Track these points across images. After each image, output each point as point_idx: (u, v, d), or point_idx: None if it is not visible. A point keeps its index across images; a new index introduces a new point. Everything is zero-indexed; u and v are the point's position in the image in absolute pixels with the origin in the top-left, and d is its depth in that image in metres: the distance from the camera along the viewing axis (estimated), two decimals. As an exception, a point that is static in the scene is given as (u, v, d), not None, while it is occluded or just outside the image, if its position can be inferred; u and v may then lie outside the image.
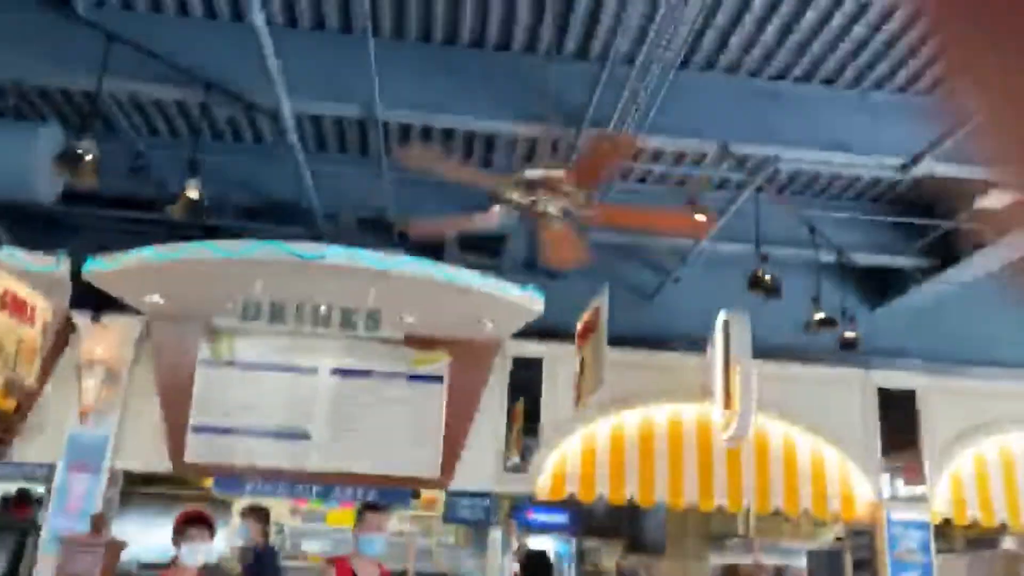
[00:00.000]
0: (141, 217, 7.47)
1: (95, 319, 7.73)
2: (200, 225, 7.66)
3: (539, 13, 5.61)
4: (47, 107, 6.94)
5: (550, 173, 3.80)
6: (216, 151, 7.38)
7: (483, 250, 8.46)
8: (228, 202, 7.47)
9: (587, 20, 5.64)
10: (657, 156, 6.99)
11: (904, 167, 5.88)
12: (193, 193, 5.33)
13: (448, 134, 7.00)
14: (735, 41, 5.84)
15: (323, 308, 6.96)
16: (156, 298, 7.35)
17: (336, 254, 6.67)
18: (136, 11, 5.82)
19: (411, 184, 7.44)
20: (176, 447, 7.54)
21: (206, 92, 5.61)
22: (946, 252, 7.77)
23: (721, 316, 7.63)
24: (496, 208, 4.51)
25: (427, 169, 3.93)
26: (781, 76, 6.17)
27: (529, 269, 8.60)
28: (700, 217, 6.82)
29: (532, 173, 3.81)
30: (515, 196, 3.90)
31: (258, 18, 4.68)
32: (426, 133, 7.01)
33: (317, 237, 7.60)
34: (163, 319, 7.76)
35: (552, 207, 3.82)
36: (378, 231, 7.91)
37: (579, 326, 7.00)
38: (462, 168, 4.06)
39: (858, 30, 5.62)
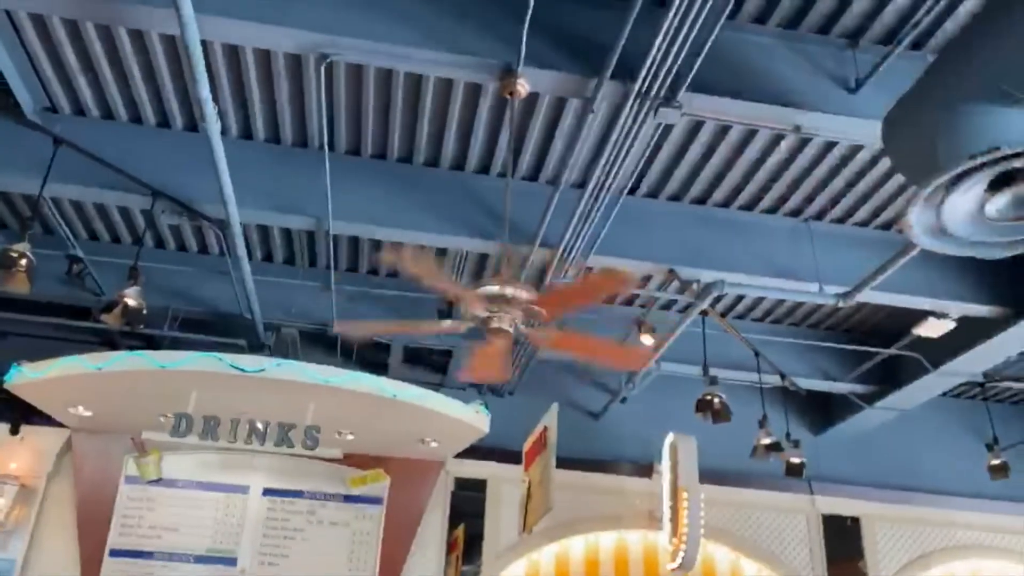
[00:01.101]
0: (74, 325, 7.19)
1: (13, 431, 7.30)
2: (135, 335, 7.41)
3: (493, 138, 5.72)
4: (-18, 209, 6.75)
5: (519, 292, 3.76)
6: (157, 259, 7.24)
7: (428, 366, 8.34)
8: (167, 312, 7.25)
9: (540, 147, 5.77)
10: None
11: (846, 294, 6.02)
12: (131, 300, 5.14)
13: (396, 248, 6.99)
14: (679, 173, 6.02)
15: (259, 424, 6.67)
16: (82, 410, 6.99)
17: (277, 368, 6.47)
18: (87, 117, 5.77)
19: (356, 299, 7.36)
20: (90, 573, 6.99)
21: (153, 200, 5.50)
22: (887, 378, 7.91)
23: (668, 439, 7.56)
24: (447, 322, 4.43)
25: (414, 274, 3.86)
26: (724, 204, 6.36)
27: (475, 386, 8.47)
28: (647, 341, 6.88)
29: (501, 288, 3.75)
30: (475, 310, 3.83)
31: (212, 129, 4.65)
32: (375, 247, 6.98)
33: (258, 350, 7.40)
34: (87, 432, 7.37)
35: (507, 324, 3.77)
36: (322, 345, 7.75)
37: (526, 447, 6.84)
38: (441, 275, 4.00)
39: (795, 168, 5.86)
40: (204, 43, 4.79)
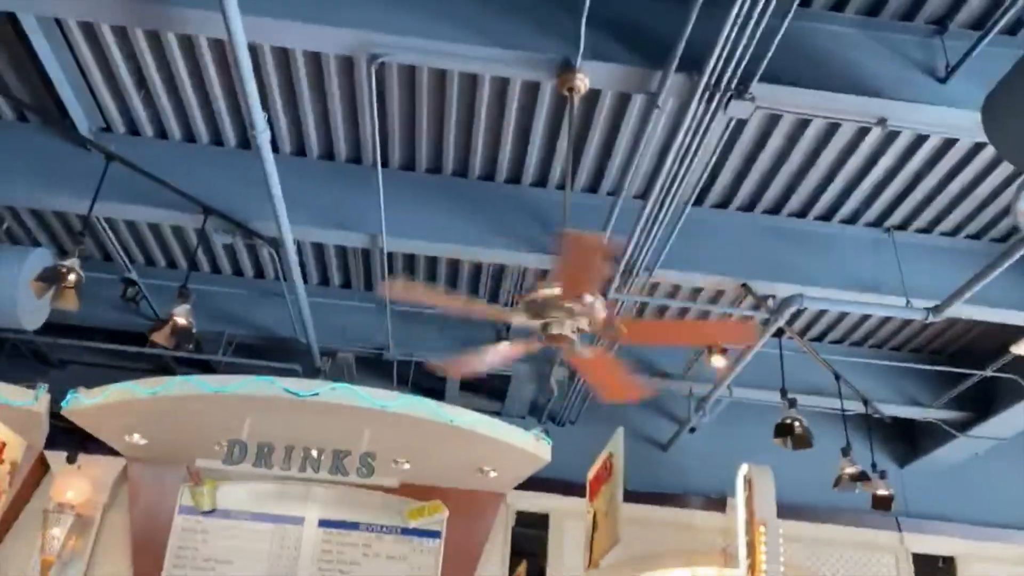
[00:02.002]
0: (131, 351, 7.12)
1: (71, 460, 7.21)
2: (191, 362, 7.32)
3: (551, 146, 5.47)
4: (42, 231, 6.76)
5: (545, 292, 3.48)
6: (213, 283, 7.17)
7: (486, 393, 8.05)
8: (222, 337, 7.14)
9: (600, 153, 5.50)
10: (674, 292, 6.71)
11: (935, 308, 5.55)
12: (181, 319, 4.99)
13: (454, 267, 6.75)
14: (750, 180, 5.68)
15: (314, 451, 6.45)
16: (137, 438, 6.87)
17: (331, 392, 6.27)
18: (142, 136, 5.71)
19: (413, 321, 7.15)
20: (144, 604, 6.82)
21: (205, 217, 5.39)
22: (980, 404, 7.33)
23: (742, 470, 7.10)
24: (504, 344, 4.15)
25: (412, 301, 3.65)
26: (800, 214, 5.97)
27: (535, 414, 8.16)
28: (718, 362, 6.47)
29: (530, 295, 3.49)
30: (523, 323, 3.56)
31: (261, 138, 4.51)
32: (432, 266, 6.76)
33: (313, 375, 7.22)
34: (143, 462, 7.25)
35: (566, 328, 3.47)
36: (377, 370, 7.54)
37: (590, 476, 6.46)
38: (451, 298, 3.75)
39: (877, 171, 5.46)
40: (253, 48, 4.71)
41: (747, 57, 3.95)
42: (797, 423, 5.86)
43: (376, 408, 6.28)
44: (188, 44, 4.93)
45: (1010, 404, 6.96)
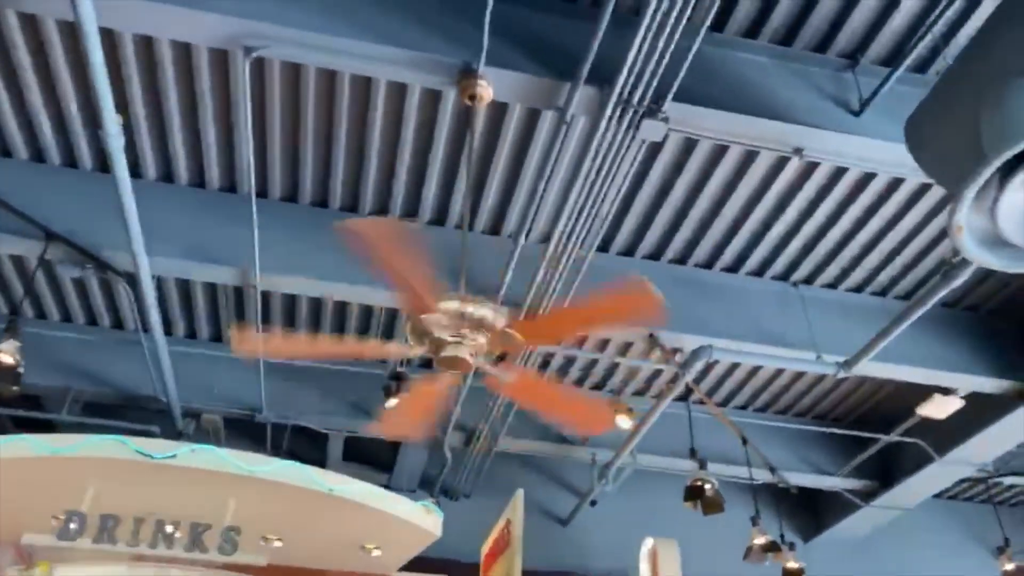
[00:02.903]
0: (-47, 408, 6.14)
1: None
2: (30, 422, 6.38)
3: (450, 181, 5.07)
4: None
5: (490, 312, 2.96)
6: (61, 332, 6.32)
7: (372, 463, 7.35)
8: (67, 394, 6.25)
9: (502, 191, 5.12)
10: (580, 343, 6.28)
11: (846, 363, 5.34)
12: (6, 356, 4.21)
13: (341, 311, 6.15)
14: (656, 226, 5.41)
15: (168, 525, 5.61)
16: (-46, 512, 5.83)
17: (190, 455, 5.47)
18: (-21, 154, 4.99)
19: (291, 378, 6.47)
20: None
21: (46, 244, 4.67)
22: (885, 472, 7.15)
23: (647, 544, 6.63)
24: (393, 345, 3.59)
25: (270, 355, 3.09)
26: (707, 265, 5.73)
27: (426, 487, 7.50)
28: (623, 423, 6.06)
29: (467, 305, 2.95)
30: (438, 331, 3.01)
31: (117, 154, 3.91)
32: (316, 310, 6.15)
33: (175, 439, 6.38)
34: (-38, 541, 6.16)
35: (467, 353, 2.95)
36: (249, 434, 6.76)
37: (486, 548, 5.84)
38: (318, 343, 3.19)
39: (784, 221, 5.30)
40: (112, 51, 4.16)
41: (659, 74, 3.69)
42: (708, 485, 5.46)
43: (244, 474, 5.52)
44: (39, 47, 4.33)
45: (914, 470, 6.80)
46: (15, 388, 4.40)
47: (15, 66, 4.46)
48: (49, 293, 6.19)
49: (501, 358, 3.36)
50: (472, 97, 3.72)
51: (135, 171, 5.08)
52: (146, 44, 4.26)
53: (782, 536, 6.57)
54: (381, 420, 3.89)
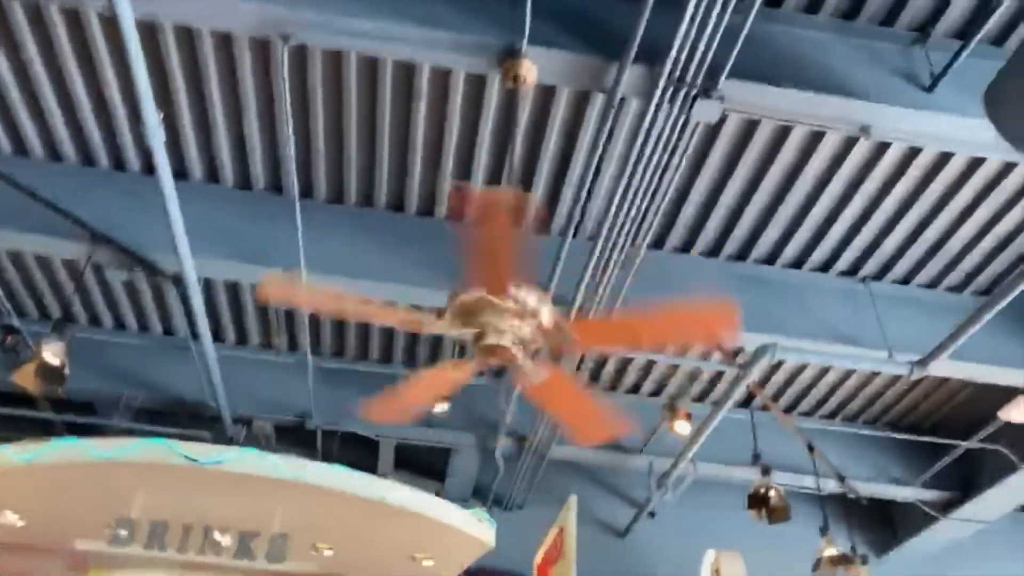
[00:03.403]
0: (10, 414, 6.19)
1: (-71, 546, 6.12)
2: (82, 427, 6.41)
3: (496, 175, 4.91)
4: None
5: (546, 307, 2.77)
6: (114, 338, 6.35)
7: (424, 471, 7.20)
8: (119, 400, 6.26)
9: (551, 185, 4.95)
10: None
11: (920, 362, 5.00)
12: (51, 357, 4.17)
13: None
14: (714, 219, 5.17)
15: (216, 532, 5.54)
16: (11, 517, 5.85)
17: (237, 460, 5.39)
18: (31, 158, 5.02)
19: (340, 384, 6.37)
20: None
21: (93, 245, 4.66)
22: (964, 482, 6.71)
23: (708, 557, 6.31)
24: (438, 369, 3.43)
25: (289, 303, 2.94)
26: (768, 261, 5.45)
27: (479, 496, 7.33)
28: (683, 429, 5.80)
29: (457, 298, 2.78)
30: (454, 331, 2.86)
31: (159, 149, 3.86)
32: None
33: (226, 445, 6.34)
34: (17, 551, 6.19)
35: (505, 338, 2.77)
36: (300, 441, 6.67)
37: (538, 558, 5.62)
38: (348, 299, 2.98)
39: (853, 209, 4.99)
40: (153, 34, 4.12)
41: (712, 50, 3.49)
42: (773, 491, 5.15)
43: (291, 479, 5.41)
44: (87, 55, 4.34)
45: (996, 480, 6.36)
46: (60, 389, 4.36)
47: (60, 67, 4.47)
48: (102, 300, 6.22)
49: (556, 357, 3.17)
50: (516, 78, 3.56)
51: (181, 173, 5.07)
52: (188, 40, 4.21)
53: (853, 549, 6.17)
54: (379, 402, 3.64)
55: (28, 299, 6.14)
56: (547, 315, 2.88)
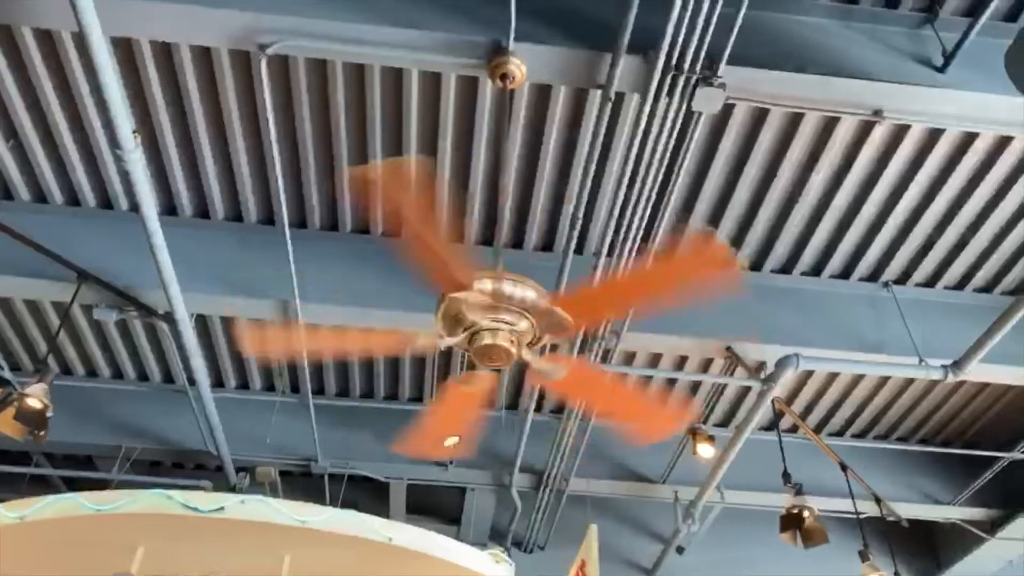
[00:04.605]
0: (8, 471, 5.99)
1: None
2: (81, 482, 6.17)
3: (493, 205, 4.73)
4: None
5: (536, 294, 2.53)
6: (114, 390, 6.17)
7: (438, 515, 6.90)
8: (118, 452, 6.03)
9: (551, 199, 4.76)
10: (655, 361, 5.75)
11: (955, 365, 4.71)
12: (33, 400, 3.96)
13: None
14: (721, 232, 4.94)
15: (220, 585, 5.24)
16: (5, 580, 5.60)
17: (239, 507, 5.12)
18: (18, 200, 4.90)
19: (344, 425, 6.14)
20: None
21: (79, 283, 4.49)
22: (1011, 497, 6.33)
23: (742, 590, 5.96)
24: (421, 335, 3.12)
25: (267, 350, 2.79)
26: (784, 270, 5.21)
27: (497, 540, 7.00)
28: (706, 452, 5.49)
29: (501, 284, 2.53)
30: (473, 315, 2.60)
31: (137, 172, 3.70)
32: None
33: (229, 493, 6.08)
34: (15, 616, 5.92)
35: (504, 340, 2.53)
36: (306, 487, 6.41)
37: (560, 596, 5.29)
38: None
39: (871, 204, 4.76)
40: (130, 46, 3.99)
41: (708, 36, 3.32)
42: (806, 512, 4.82)
43: (296, 525, 5.14)
44: (63, 82, 4.22)
45: (1044, 494, 5.99)
46: (42, 433, 4.14)
47: (44, 110, 4.37)
48: (99, 350, 6.04)
49: (552, 349, 2.93)
50: (504, 77, 3.38)
51: (171, 210, 4.93)
52: (168, 62, 4.08)
53: (897, 575, 5.81)
54: (410, 438, 3.42)
55: (23, 353, 5.96)
56: (538, 302, 2.63)
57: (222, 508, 5.11)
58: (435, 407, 3.22)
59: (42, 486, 6.36)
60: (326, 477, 6.28)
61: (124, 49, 3.95)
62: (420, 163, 4.22)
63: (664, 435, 3.44)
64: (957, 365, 4.71)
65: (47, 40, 4.00)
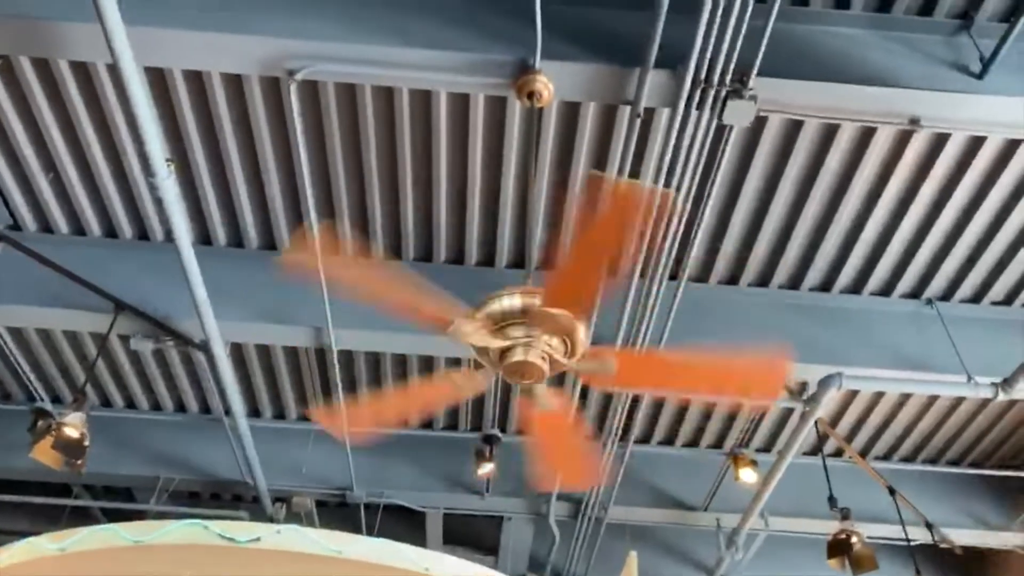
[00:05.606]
0: (44, 504, 6.03)
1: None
2: (120, 513, 6.21)
3: (523, 225, 4.70)
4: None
5: (533, 299, 2.51)
6: (153, 423, 6.20)
7: (476, 545, 6.80)
8: (156, 483, 6.05)
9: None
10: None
11: (1005, 382, 4.54)
12: (70, 429, 3.99)
13: (428, 360, 5.69)
14: (758, 249, 4.86)
15: (257, 616, 5.19)
16: (47, 613, 5.61)
17: (275, 536, 5.08)
18: (58, 233, 4.99)
19: (380, 454, 6.08)
20: None
21: (115, 313, 4.54)
22: (1067, 521, 6.08)
23: (790, 621, 5.76)
24: (456, 374, 3.11)
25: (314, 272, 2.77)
26: (823, 288, 5.09)
27: (536, 571, 6.88)
28: (749, 478, 5.36)
29: (494, 299, 2.53)
30: (483, 341, 2.58)
31: (170, 199, 3.74)
32: (402, 367, 5.75)
33: (266, 523, 6.05)
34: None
35: (532, 353, 2.49)
36: (343, 518, 6.37)
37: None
38: (382, 280, 2.65)
39: (910, 220, 4.64)
40: (163, 83, 4.06)
41: (737, 48, 3.27)
42: (855, 537, 4.65)
43: (332, 555, 5.09)
44: (102, 120, 4.31)
45: (1106, 517, 5.73)
46: (80, 462, 4.16)
47: (81, 144, 4.46)
48: (137, 382, 6.09)
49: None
50: (531, 95, 3.37)
51: (205, 239, 4.98)
52: (200, 89, 4.13)
53: (953, 604, 5.59)
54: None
55: (63, 385, 6.03)
56: (583, 337, 2.62)
57: (258, 539, 5.08)
58: (411, 388, 3.15)
59: (82, 518, 6.39)
60: (362, 507, 6.23)
61: (157, 79, 4.01)
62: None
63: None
64: (1007, 383, 4.55)
65: (82, 71, 4.08)
